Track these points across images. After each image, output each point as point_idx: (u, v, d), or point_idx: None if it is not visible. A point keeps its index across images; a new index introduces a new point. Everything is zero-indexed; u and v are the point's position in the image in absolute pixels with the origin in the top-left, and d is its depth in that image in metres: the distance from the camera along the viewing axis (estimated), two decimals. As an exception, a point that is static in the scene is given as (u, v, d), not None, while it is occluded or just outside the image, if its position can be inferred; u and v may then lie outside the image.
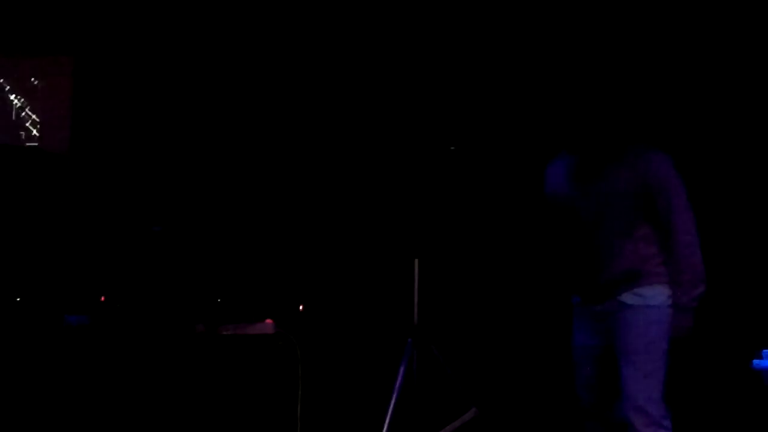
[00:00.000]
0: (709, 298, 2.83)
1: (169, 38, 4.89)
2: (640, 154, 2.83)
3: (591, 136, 2.88)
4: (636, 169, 2.81)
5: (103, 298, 3.48)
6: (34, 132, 5.14)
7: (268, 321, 3.50)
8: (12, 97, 5.21)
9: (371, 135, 4.51)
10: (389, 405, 3.39)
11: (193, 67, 4.83)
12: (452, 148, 3.85)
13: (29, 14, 5.04)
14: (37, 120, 5.14)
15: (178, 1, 4.82)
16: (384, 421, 3.37)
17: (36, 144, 5.08)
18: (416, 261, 3.68)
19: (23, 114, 5.20)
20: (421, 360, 3.58)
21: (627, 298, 2.83)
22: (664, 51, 4.23)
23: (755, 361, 3.55)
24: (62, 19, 5.04)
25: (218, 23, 4.82)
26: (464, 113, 4.42)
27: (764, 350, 3.55)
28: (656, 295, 2.82)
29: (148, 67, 4.91)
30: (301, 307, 3.80)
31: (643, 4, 4.26)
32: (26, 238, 3.44)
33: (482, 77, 4.45)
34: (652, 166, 2.81)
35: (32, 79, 5.18)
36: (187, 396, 3.35)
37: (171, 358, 3.36)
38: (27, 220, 3.49)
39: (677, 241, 2.80)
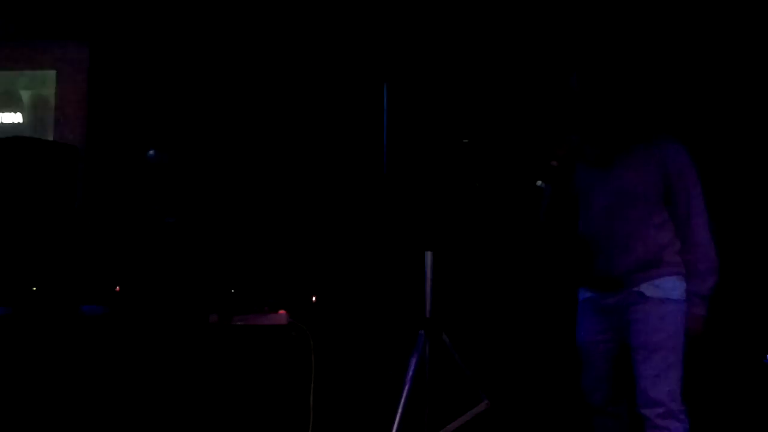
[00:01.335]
0: (722, 292, 2.82)
1: (183, 29, 4.90)
2: (658, 143, 2.86)
3: (607, 126, 2.88)
4: (655, 157, 2.84)
5: (118, 289, 3.51)
6: (51, 124, 5.18)
7: (281, 312, 3.51)
8: (28, 87, 5.25)
9: (384, 127, 4.51)
10: (401, 397, 3.39)
11: (207, 59, 4.85)
12: (465, 140, 3.85)
13: (46, 4, 5.07)
14: (54, 111, 5.18)
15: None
16: (396, 413, 3.38)
17: (52, 135, 5.12)
18: (429, 253, 3.67)
19: (39, 105, 5.24)
20: (433, 352, 3.58)
21: (645, 289, 2.82)
22: (675, 42, 4.19)
23: (768, 357, 3.55)
24: (78, 9, 5.07)
25: (231, 16, 4.83)
26: (477, 105, 4.41)
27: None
28: (674, 288, 2.81)
29: (164, 59, 4.93)
30: (314, 298, 3.81)
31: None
32: (42, 229, 3.46)
33: (494, 69, 4.44)
34: (670, 154, 2.84)
35: (49, 69, 5.22)
36: (200, 386, 3.37)
37: (184, 348, 3.38)
38: (43, 211, 3.52)
39: (695, 228, 2.81)
